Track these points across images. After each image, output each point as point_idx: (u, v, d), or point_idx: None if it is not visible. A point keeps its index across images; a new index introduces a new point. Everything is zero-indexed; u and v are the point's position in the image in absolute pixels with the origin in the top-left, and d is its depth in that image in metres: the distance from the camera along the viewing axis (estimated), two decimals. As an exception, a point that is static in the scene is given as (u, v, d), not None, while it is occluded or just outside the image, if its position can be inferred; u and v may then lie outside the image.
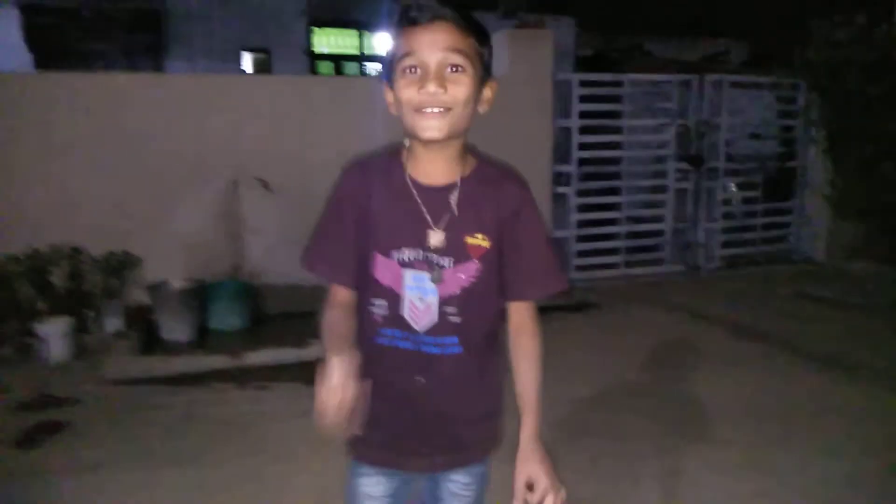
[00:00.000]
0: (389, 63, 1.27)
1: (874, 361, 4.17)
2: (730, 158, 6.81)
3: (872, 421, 3.38)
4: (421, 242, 1.30)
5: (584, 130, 6.19)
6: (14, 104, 4.69)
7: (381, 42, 10.62)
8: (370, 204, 1.33)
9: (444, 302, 1.31)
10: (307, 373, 4.09)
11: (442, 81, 1.20)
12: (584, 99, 6.14)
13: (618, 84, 6.32)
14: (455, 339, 1.33)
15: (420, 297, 1.31)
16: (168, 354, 4.25)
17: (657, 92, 6.64)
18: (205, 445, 3.14)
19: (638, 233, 6.56)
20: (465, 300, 1.32)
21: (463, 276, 1.31)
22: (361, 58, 10.60)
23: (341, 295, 1.37)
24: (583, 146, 6.20)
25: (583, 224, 6.33)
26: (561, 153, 6.12)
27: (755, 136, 7.17)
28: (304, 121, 5.17)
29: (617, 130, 6.36)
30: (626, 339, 4.69)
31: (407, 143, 1.34)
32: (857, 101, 6.17)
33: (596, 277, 6.29)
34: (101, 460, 2.99)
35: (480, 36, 1.26)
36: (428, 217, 1.30)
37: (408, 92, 1.22)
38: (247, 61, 9.72)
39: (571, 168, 6.16)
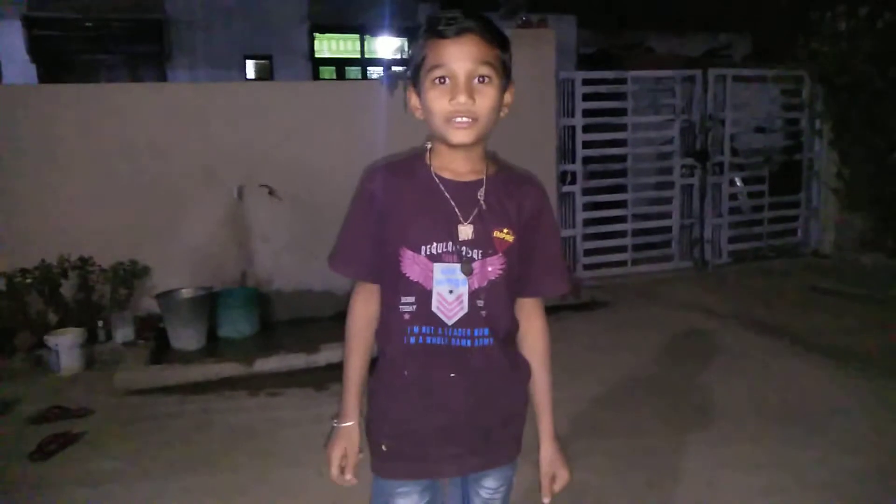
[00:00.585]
0: (416, 70, 1.32)
1: (886, 355, 4.14)
2: (735, 153, 6.78)
3: (888, 415, 3.35)
4: (451, 235, 1.33)
5: (589, 129, 6.18)
6: (19, 117, 4.72)
7: (383, 46, 10.62)
8: (397, 202, 1.35)
9: (473, 294, 1.34)
10: (318, 378, 4.10)
11: (471, 92, 1.26)
12: (587, 97, 6.14)
13: (621, 81, 6.31)
14: (486, 331, 1.35)
15: (450, 289, 1.33)
16: (179, 363, 4.26)
17: (661, 88, 6.62)
18: (219, 452, 3.14)
19: (645, 230, 6.54)
20: (491, 293, 1.35)
21: (490, 268, 1.34)
22: (363, 62, 10.60)
23: (366, 292, 1.44)
24: (587, 144, 6.20)
25: (589, 222, 6.32)
26: (565, 152, 6.12)
27: (760, 130, 7.14)
28: (310, 127, 5.18)
29: (621, 128, 6.35)
30: (637, 336, 4.67)
31: (429, 144, 1.38)
32: (862, 92, 6.14)
33: (604, 275, 6.29)
34: (116, 470, 3.00)
35: (504, 44, 1.32)
36: (457, 211, 1.34)
37: (439, 103, 1.28)
38: (249, 68, 9.74)
39: (576, 167, 6.15)
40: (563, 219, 6.15)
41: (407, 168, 1.39)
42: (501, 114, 1.35)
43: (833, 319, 4.91)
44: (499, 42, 1.30)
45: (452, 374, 1.36)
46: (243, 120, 5.08)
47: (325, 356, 4.16)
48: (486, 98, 1.28)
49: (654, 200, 6.69)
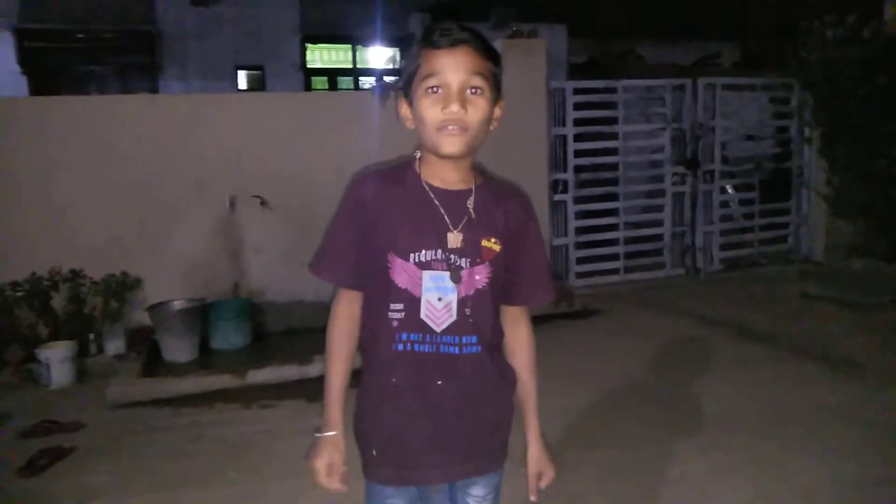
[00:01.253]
0: (409, 80, 1.34)
1: (880, 360, 4.16)
2: (726, 161, 6.82)
3: (881, 421, 3.36)
4: (440, 243, 1.34)
5: (580, 137, 6.21)
6: (10, 129, 4.70)
7: (375, 56, 10.65)
8: (386, 208, 1.36)
9: (461, 301, 1.35)
10: (311, 389, 4.07)
11: (463, 102, 1.28)
12: (578, 106, 6.16)
13: (612, 90, 6.34)
14: (474, 339, 1.37)
15: (439, 296, 1.34)
16: (171, 375, 4.23)
17: (651, 97, 6.66)
18: (211, 466, 3.12)
19: (637, 238, 6.56)
20: (477, 301, 1.36)
21: (478, 276, 1.36)
22: (355, 72, 10.63)
23: (347, 298, 1.45)
24: (579, 153, 6.22)
25: (581, 231, 6.33)
26: (557, 161, 6.14)
27: (750, 138, 7.19)
28: (302, 137, 5.18)
29: (612, 136, 6.37)
30: (630, 344, 4.68)
31: (418, 153, 1.39)
32: (850, 100, 6.19)
33: (596, 283, 6.29)
34: (107, 485, 2.97)
35: (495, 58, 1.34)
36: (447, 218, 1.35)
37: (431, 111, 1.29)
38: (241, 79, 9.76)
39: (568, 175, 6.17)
40: (555, 227, 6.16)
41: (396, 175, 1.40)
42: (491, 127, 1.36)
43: (824, 325, 4.93)
44: (491, 56, 1.32)
45: (440, 382, 1.37)
46: (235, 131, 5.08)
47: (317, 367, 4.14)
48: (477, 109, 1.29)
49: (645, 208, 6.71)
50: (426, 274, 1.34)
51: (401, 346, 1.36)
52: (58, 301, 4.57)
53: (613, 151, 6.39)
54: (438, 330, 1.35)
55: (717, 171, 6.66)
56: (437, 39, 1.28)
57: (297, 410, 3.74)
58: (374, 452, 1.42)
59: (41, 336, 4.47)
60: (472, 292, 1.35)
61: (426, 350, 1.36)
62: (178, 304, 4.70)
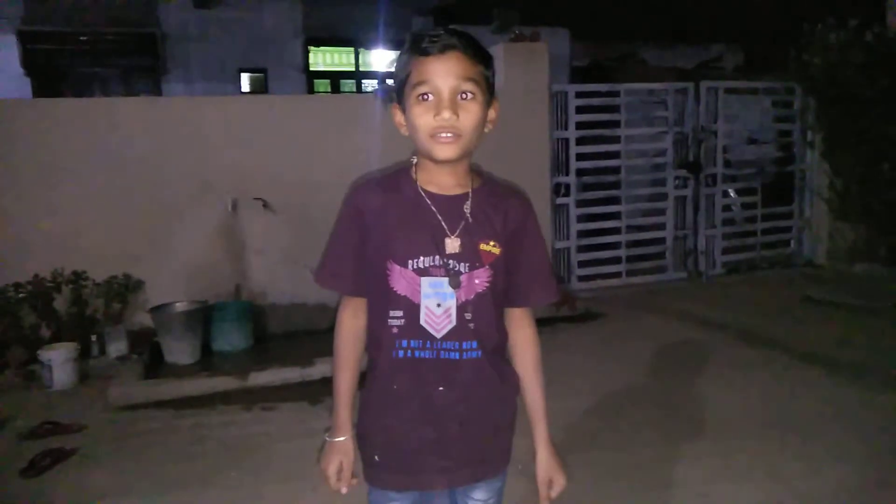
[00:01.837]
0: (400, 87, 1.33)
1: (881, 365, 4.14)
2: (728, 164, 6.82)
3: (881, 425, 3.36)
4: (438, 249, 1.34)
5: (582, 141, 6.21)
6: (13, 131, 4.71)
7: (377, 59, 10.66)
8: (383, 216, 1.37)
9: (461, 307, 1.35)
10: (312, 392, 4.07)
11: (455, 108, 1.27)
12: (580, 109, 6.17)
13: (614, 94, 6.35)
14: (474, 344, 1.37)
15: (438, 302, 1.34)
16: (172, 377, 4.23)
17: (653, 100, 6.67)
18: (213, 468, 3.12)
19: (639, 241, 6.56)
20: (478, 305, 1.36)
21: (477, 281, 1.36)
22: (358, 75, 10.65)
23: (352, 305, 1.45)
24: (581, 157, 6.23)
25: (583, 234, 6.34)
26: (559, 164, 6.15)
27: (753, 142, 7.19)
28: (305, 140, 5.19)
29: (614, 140, 6.38)
30: (632, 347, 4.67)
31: (414, 159, 1.39)
32: (853, 103, 6.19)
33: (598, 287, 6.30)
34: (109, 487, 2.97)
35: (487, 61, 1.33)
36: (444, 224, 1.35)
37: (423, 119, 1.29)
38: (244, 81, 9.77)
39: (570, 179, 6.18)
40: (557, 231, 6.17)
41: (392, 183, 1.40)
42: (486, 129, 1.36)
43: (826, 329, 4.92)
44: (482, 59, 1.31)
45: (441, 388, 1.37)
46: (237, 133, 5.09)
47: (319, 369, 4.15)
48: (469, 114, 1.29)
49: (647, 212, 6.71)
50: (425, 280, 1.34)
51: (401, 353, 1.36)
52: (60, 303, 4.59)
53: (615, 155, 6.40)
54: (438, 336, 1.35)
55: (720, 174, 6.66)
56: (427, 46, 1.27)
57: (298, 413, 3.74)
58: (376, 458, 1.42)
59: (43, 337, 4.49)
60: (472, 297, 1.35)
61: (427, 356, 1.36)
62: (179, 306, 4.71)
